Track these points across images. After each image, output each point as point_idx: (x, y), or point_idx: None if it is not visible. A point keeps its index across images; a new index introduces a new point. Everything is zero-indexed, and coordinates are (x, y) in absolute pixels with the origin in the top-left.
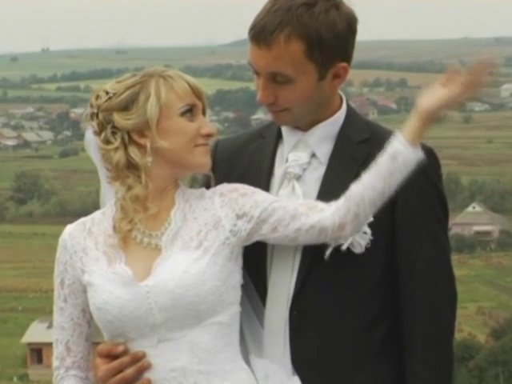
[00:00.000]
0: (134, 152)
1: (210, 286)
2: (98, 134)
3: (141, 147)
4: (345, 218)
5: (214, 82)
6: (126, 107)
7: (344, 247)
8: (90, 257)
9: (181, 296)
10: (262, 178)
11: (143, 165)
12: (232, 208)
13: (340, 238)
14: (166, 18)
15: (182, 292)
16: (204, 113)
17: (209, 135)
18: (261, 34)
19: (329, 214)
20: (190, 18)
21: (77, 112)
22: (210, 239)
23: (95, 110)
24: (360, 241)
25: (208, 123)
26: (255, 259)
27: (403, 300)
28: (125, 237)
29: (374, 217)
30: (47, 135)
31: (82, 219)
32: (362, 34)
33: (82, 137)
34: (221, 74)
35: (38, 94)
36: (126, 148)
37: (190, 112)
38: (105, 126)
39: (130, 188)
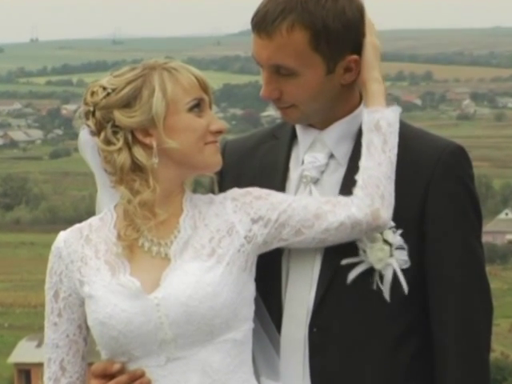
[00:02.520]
0: (139, 153)
1: (226, 297)
2: (95, 134)
3: (146, 147)
4: (373, 204)
5: (220, 76)
6: (127, 104)
7: (384, 271)
8: (89, 266)
9: (194, 309)
10: (275, 183)
11: (150, 167)
12: (246, 212)
13: (379, 227)
14: (166, 5)
15: (196, 304)
16: (210, 107)
17: (219, 132)
18: (262, 22)
19: (355, 207)
20: (193, 4)
21: (69, 108)
22: (224, 246)
23: (91, 108)
24: (401, 257)
25: (217, 119)
26: (268, 270)
27: (433, 313)
28: (130, 245)
29: (402, 223)
30: (36, 134)
31: (77, 225)
32: (383, 23)
33: (74, 136)
34: (227, 66)
35: (26, 88)
36: (130, 149)
37: (197, 107)
38: (104, 126)
39: (137, 193)
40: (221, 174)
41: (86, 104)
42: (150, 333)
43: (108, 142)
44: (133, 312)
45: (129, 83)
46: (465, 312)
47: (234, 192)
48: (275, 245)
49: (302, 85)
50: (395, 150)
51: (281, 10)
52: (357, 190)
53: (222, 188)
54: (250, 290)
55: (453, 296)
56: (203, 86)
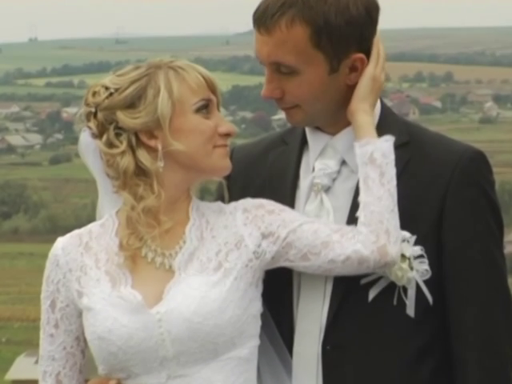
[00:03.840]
0: (143, 156)
1: (231, 314)
2: (98, 136)
3: (150, 150)
4: (379, 241)
5: (229, 77)
6: (131, 104)
7: (407, 286)
8: (89, 277)
9: (198, 326)
10: (285, 191)
11: (155, 171)
12: (257, 226)
13: (387, 264)
14: (172, 2)
15: (200, 321)
16: (218, 109)
17: (228, 134)
18: (262, 17)
19: (360, 244)
20: (200, 2)
21: (69, 111)
22: (232, 260)
23: (93, 109)
24: (422, 267)
25: (226, 121)
26: (279, 284)
27: (453, 327)
28: (133, 255)
29: (419, 234)
30: (35, 138)
31: (77, 232)
32: (402, 22)
33: (75, 140)
34: (237, 67)
35: (25, 90)
36: (133, 151)
37: (205, 108)
38: (106, 127)
39: (141, 198)
40: (228, 181)
41: (88, 105)
42: (151, 349)
43: (110, 145)
44: (133, 327)
45: (133, 83)
46: (485, 326)
47: (247, 203)
48: (282, 264)
49: (303, 84)
50: (394, 182)
51: (281, 5)
52: (360, 227)
53: (230, 196)
54: (257, 306)
55: (473, 309)
56: (211, 86)
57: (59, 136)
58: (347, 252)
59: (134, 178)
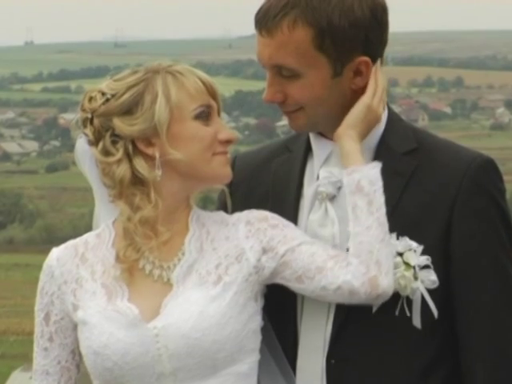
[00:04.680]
0: (140, 164)
1: (231, 330)
2: (93, 143)
3: (148, 158)
4: (369, 272)
5: (232, 82)
6: (128, 110)
7: (412, 296)
8: (84, 289)
9: (197, 341)
10: (288, 200)
11: (152, 180)
12: (259, 240)
13: (379, 296)
14: (173, 4)
15: (198, 337)
16: (219, 115)
17: (228, 141)
18: (263, 18)
19: (350, 275)
20: (202, 4)
21: (67, 118)
22: (232, 274)
23: (89, 115)
24: (428, 277)
25: (226, 127)
26: (283, 296)
27: (462, 339)
28: (130, 267)
29: (426, 243)
30: (31, 146)
31: (72, 242)
32: (410, 24)
33: (72, 148)
34: (240, 71)
35: (20, 96)
36: (130, 160)
37: (204, 114)
38: (103, 134)
39: (137, 208)
40: (230, 190)
41: (84, 111)
42: (148, 365)
43: (107, 153)
44: (129, 342)
45: (130, 88)
46: (495, 337)
47: (250, 215)
48: (279, 281)
49: (305, 87)
50: (383, 209)
51: (283, 6)
52: (350, 258)
53: (232, 205)
54: (257, 320)
55: (482, 320)
56: (211, 92)
57: (56, 143)
58: (338, 281)
59: (131, 188)
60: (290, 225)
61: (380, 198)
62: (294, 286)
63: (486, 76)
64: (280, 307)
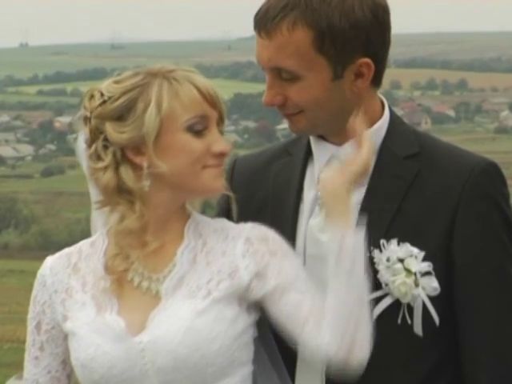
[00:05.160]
0: (126, 173)
1: (220, 345)
2: (88, 145)
3: (136, 167)
4: (344, 339)
5: (231, 84)
6: (120, 117)
7: (413, 304)
8: (74, 300)
9: (184, 357)
10: (288, 205)
11: (137, 190)
12: (255, 261)
13: (354, 366)
14: (170, 5)
15: (186, 352)
16: (220, 123)
17: (222, 154)
18: (262, 19)
19: (326, 340)
20: (200, 6)
21: (62, 121)
22: (222, 289)
23: (88, 114)
24: (429, 284)
25: (221, 139)
26: None
27: (464, 348)
28: (119, 278)
29: (427, 249)
30: (26, 149)
31: (67, 250)
32: (413, 26)
33: (68, 151)
34: (239, 74)
35: (15, 98)
36: (117, 168)
37: (198, 126)
38: (97, 136)
39: (122, 218)
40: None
41: (84, 108)
42: (135, 379)
43: (97, 157)
44: (116, 355)
45: (125, 93)
46: (497, 345)
47: (252, 232)
48: (264, 309)
49: (305, 90)
50: (363, 276)
51: (282, 7)
52: (325, 325)
53: (234, 209)
54: (249, 333)
55: (484, 328)
56: (210, 101)
57: (52, 147)
58: (312, 344)
59: (115, 196)
60: (289, 253)
61: (361, 264)
62: (279, 323)
63: (490, 78)
64: None
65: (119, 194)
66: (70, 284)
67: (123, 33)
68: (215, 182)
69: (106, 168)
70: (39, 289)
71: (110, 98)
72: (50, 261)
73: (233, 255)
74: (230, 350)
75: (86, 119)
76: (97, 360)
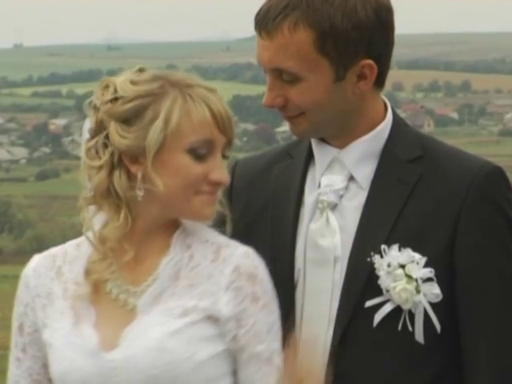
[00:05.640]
0: (119, 178)
1: (193, 365)
2: (91, 135)
3: (131, 175)
4: None
5: (230, 86)
6: (126, 120)
7: (414, 310)
8: (54, 307)
9: (157, 377)
10: (289, 208)
11: (126, 198)
12: (237, 300)
13: None
14: (168, 5)
15: (158, 373)
16: (227, 148)
17: (218, 183)
18: (263, 19)
19: None
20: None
21: (57, 123)
22: (200, 312)
23: (98, 104)
24: (431, 291)
25: (221, 167)
26: (280, 307)
27: (466, 356)
28: (98, 287)
29: (430, 255)
30: (20, 152)
31: (53, 251)
32: (416, 26)
33: (63, 154)
34: (238, 75)
35: (9, 100)
36: (112, 170)
37: (201, 150)
38: (100, 131)
39: (105, 223)
40: (230, 198)
41: (96, 97)
42: None
43: (96, 152)
44: (89, 371)
45: (137, 97)
46: (500, 353)
47: (243, 260)
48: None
49: (306, 92)
50: None
51: (284, 7)
52: None
53: (231, 213)
54: (226, 351)
55: (487, 337)
56: (221, 126)
57: (46, 150)
58: None
59: (103, 198)
60: (270, 305)
61: None
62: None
63: (495, 80)
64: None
65: (107, 197)
66: (52, 289)
67: (119, 33)
68: (204, 210)
69: (100, 167)
70: (23, 289)
71: (122, 97)
72: (35, 261)
73: (218, 283)
74: (206, 367)
75: (95, 109)
76: (71, 375)
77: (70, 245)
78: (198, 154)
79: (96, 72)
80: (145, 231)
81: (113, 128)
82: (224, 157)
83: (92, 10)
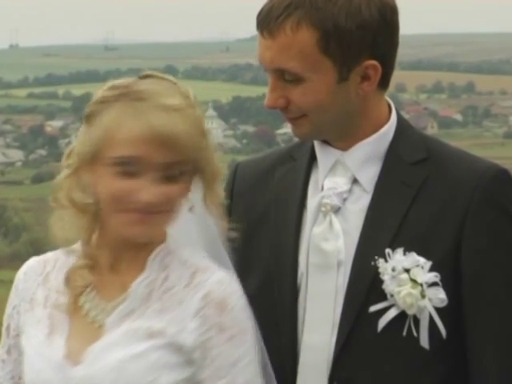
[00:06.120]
0: (77, 183)
1: None
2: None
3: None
4: None
5: (229, 87)
6: (85, 125)
7: (419, 316)
8: (34, 314)
9: None
10: (291, 212)
11: (84, 205)
12: (201, 330)
13: None
14: (166, 5)
15: None
16: (177, 167)
17: (148, 204)
18: (265, 19)
19: None
20: (197, 5)
21: (54, 125)
22: (166, 338)
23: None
24: (436, 296)
25: (153, 188)
26: (281, 311)
27: (472, 362)
28: (76, 299)
29: (435, 259)
30: (16, 155)
31: (48, 255)
32: (419, 26)
33: (60, 157)
34: (238, 76)
35: (5, 102)
36: (77, 173)
37: (130, 166)
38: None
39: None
40: (231, 201)
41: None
42: None
43: (70, 152)
44: None
45: (94, 103)
46: (505, 360)
47: (217, 287)
48: None
49: (309, 93)
50: None
51: (286, 6)
52: None
53: (233, 216)
54: (191, 379)
55: (493, 343)
56: (159, 145)
57: (42, 152)
58: None
59: (70, 204)
60: (238, 337)
61: None
62: None
63: (499, 81)
64: (277, 322)
65: (73, 203)
66: (35, 295)
67: (117, 33)
68: (128, 229)
69: (68, 166)
70: (13, 291)
71: (97, 100)
72: (28, 264)
73: (187, 310)
74: None
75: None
76: None
77: (63, 251)
78: (126, 170)
79: (93, 73)
80: (117, 243)
81: (81, 128)
82: (169, 178)
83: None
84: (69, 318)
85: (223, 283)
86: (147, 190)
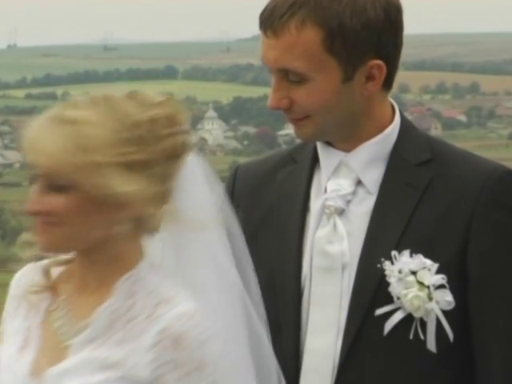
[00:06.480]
0: None
1: None
2: None
3: None
4: None
5: (230, 88)
6: None
7: (426, 319)
8: (13, 325)
9: None
10: (294, 215)
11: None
12: (154, 365)
13: None
14: (166, 5)
15: None
16: (52, 179)
17: (29, 213)
18: (269, 18)
19: None
20: (198, 5)
21: None
22: (122, 369)
23: None
24: (443, 298)
25: (33, 197)
26: (283, 313)
27: (478, 366)
28: (49, 314)
29: (441, 261)
30: (14, 156)
31: (43, 262)
32: (422, 26)
33: None
34: (238, 76)
35: (2, 102)
36: None
37: (33, 175)
38: None
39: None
40: (231, 203)
41: None
42: None
43: None
44: None
45: None
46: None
47: (176, 322)
48: None
49: (313, 93)
50: None
51: (290, 5)
52: None
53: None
54: None
55: (500, 348)
56: (33, 156)
57: None
58: None
59: None
60: (194, 375)
61: None
62: None
63: (504, 81)
64: (280, 324)
65: None
66: (20, 304)
67: (116, 33)
68: (37, 238)
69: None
70: (8, 296)
71: None
72: (23, 270)
73: (144, 343)
74: None
75: None
76: None
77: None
78: (32, 180)
79: (92, 73)
80: (84, 257)
81: None
82: (70, 187)
83: (88, 9)
84: (42, 332)
85: (182, 318)
86: (30, 198)
